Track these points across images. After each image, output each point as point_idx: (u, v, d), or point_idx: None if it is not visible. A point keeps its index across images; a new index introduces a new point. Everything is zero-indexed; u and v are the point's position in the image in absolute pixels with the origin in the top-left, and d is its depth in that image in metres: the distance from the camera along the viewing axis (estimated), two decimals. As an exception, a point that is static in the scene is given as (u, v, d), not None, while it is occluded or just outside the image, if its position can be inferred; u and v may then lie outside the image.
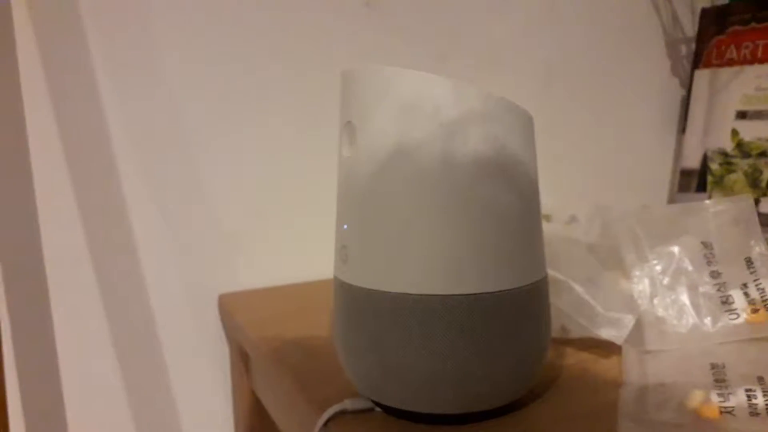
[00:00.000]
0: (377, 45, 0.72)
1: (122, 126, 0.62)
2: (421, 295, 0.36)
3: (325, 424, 0.39)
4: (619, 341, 0.47)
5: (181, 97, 0.64)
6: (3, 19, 0.57)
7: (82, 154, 0.61)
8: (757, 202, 0.82)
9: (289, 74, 0.68)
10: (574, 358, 0.49)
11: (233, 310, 0.63)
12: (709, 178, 0.88)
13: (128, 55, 0.61)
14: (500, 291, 0.36)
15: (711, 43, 0.90)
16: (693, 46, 0.94)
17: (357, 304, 0.38)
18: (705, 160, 0.88)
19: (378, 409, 0.40)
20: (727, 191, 0.85)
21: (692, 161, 0.90)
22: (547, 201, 0.50)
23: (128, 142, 0.62)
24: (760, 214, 0.81)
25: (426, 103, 0.35)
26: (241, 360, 0.64)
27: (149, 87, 0.62)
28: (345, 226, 0.39)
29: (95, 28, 0.60)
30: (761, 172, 0.82)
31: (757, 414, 0.39)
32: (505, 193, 0.36)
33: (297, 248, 0.71)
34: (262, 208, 0.69)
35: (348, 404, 0.40)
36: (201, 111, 0.65)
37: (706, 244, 0.54)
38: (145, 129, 0.63)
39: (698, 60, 0.91)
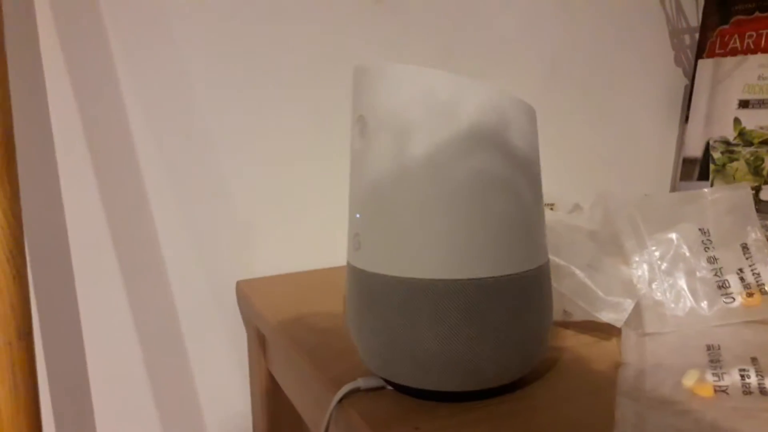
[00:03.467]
0: (386, 40, 0.74)
1: (144, 120, 0.63)
2: (429, 279, 0.37)
3: (340, 401, 0.40)
4: (618, 324, 0.47)
5: (200, 91, 0.65)
6: (26, 7, 0.58)
7: (105, 148, 0.62)
8: (758, 190, 0.82)
9: (303, 69, 0.70)
10: (575, 340, 0.50)
11: (250, 296, 0.64)
12: (712, 167, 0.87)
13: (148, 48, 0.63)
14: (505, 275, 0.37)
15: (714, 32, 0.90)
16: (697, 36, 0.94)
17: (369, 288, 0.39)
18: (707, 148, 0.88)
19: (389, 387, 0.41)
20: (729, 179, 0.85)
21: (695, 150, 0.90)
22: (552, 190, 0.51)
23: (149, 136, 0.64)
24: (761, 202, 0.82)
25: (433, 98, 0.36)
26: (258, 343, 0.65)
27: (169, 81, 0.64)
28: (357, 215, 0.40)
29: (115, 21, 0.61)
30: (763, 161, 0.82)
31: (750, 392, 0.40)
32: (509, 184, 0.37)
33: (310, 237, 0.73)
34: (277, 199, 0.71)
35: (361, 382, 0.41)
36: (219, 105, 0.66)
37: (703, 231, 0.54)
38: (165, 123, 0.64)
39: (702, 50, 0.91)
